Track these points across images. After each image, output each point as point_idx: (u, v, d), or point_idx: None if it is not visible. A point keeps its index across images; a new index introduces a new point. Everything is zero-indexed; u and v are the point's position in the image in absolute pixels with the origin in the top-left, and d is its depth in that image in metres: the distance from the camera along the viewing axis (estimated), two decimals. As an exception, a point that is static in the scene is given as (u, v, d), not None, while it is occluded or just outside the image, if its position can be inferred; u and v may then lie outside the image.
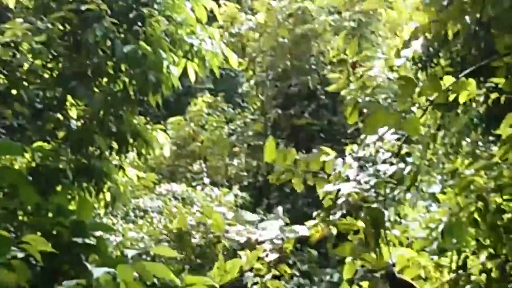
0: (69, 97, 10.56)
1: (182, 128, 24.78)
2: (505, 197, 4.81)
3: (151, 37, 10.17)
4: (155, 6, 10.40)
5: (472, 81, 5.77)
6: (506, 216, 4.79)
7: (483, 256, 5.10)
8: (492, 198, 4.89)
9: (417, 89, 5.38)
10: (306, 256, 20.98)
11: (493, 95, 6.56)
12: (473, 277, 5.03)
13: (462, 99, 5.96)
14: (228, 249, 18.39)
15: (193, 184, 22.40)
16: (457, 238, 5.03)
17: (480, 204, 4.79)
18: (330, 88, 8.28)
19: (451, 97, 5.97)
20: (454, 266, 5.17)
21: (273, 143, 5.53)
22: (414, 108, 14.84)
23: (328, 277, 20.93)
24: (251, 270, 9.42)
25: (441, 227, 4.99)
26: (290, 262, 20.39)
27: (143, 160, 11.39)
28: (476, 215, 4.81)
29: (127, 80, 10.35)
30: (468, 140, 15.47)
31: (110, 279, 4.49)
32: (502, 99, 6.59)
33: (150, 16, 10.26)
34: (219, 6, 11.62)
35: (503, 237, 4.80)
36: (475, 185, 5.51)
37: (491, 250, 4.93)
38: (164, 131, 11.73)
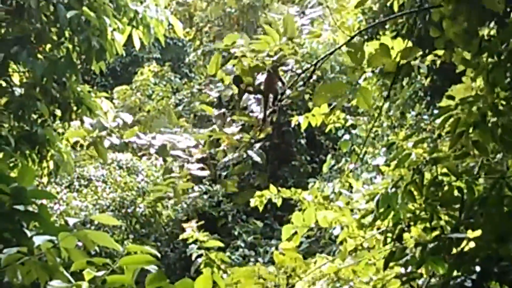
0: (11, 63, 10.40)
1: (129, 97, 24.62)
2: (442, 170, 4.83)
3: (95, 2, 10.03)
4: (100, -30, 10.25)
5: (417, 48, 5.78)
6: (442, 189, 4.82)
7: (418, 229, 5.14)
8: (429, 170, 4.91)
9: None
10: (251, 227, 21.07)
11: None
12: (408, 250, 5.07)
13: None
14: (174, 219, 18.38)
15: (139, 153, 22.28)
16: (393, 210, 5.05)
17: (416, 176, 4.81)
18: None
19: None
20: (389, 239, 5.21)
21: (219, 58, 5.55)
22: (360, 81, 14.94)
23: (273, 249, 21.05)
24: (195, 242, 9.42)
25: (376, 198, 5.01)
26: (236, 233, 20.48)
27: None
28: (412, 188, 4.83)
29: (70, 46, 10.21)
30: (413, 112, 15.62)
31: (51, 246, 4.45)
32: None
33: (94, -19, 10.12)
34: (166, -26, 11.50)
35: (438, 210, 4.83)
36: (415, 158, 5.54)
37: (426, 224, 4.96)
38: (109, 99, 11.62)
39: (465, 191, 4.53)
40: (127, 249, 4.02)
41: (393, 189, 4.76)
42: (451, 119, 4.67)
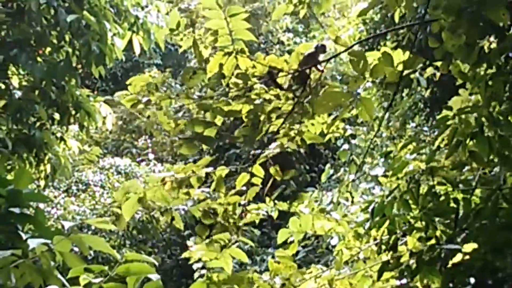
0: (11, 66, 10.38)
1: (128, 103, 24.58)
2: (438, 180, 4.79)
3: (96, 7, 10.02)
4: (101, -25, 10.24)
5: (420, 58, 5.72)
6: (438, 199, 4.78)
7: (413, 238, 5.09)
8: (425, 180, 4.88)
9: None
10: (248, 235, 21.04)
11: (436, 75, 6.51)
12: (403, 259, 5.03)
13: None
14: (170, 226, 18.33)
15: (138, 159, 22.26)
16: (388, 219, 5.01)
17: (412, 185, 4.77)
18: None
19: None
20: (384, 247, 5.17)
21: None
22: (360, 91, 14.93)
23: (269, 257, 21.01)
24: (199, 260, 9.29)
25: (371, 207, 4.98)
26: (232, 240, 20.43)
27: (85, 132, 11.24)
28: (408, 197, 4.79)
29: (70, 50, 10.20)
30: (413, 124, 15.61)
31: (46, 250, 4.41)
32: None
33: (95, -15, 10.11)
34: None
35: (434, 220, 4.79)
36: (413, 168, 5.51)
37: (422, 233, 4.92)
38: (108, 103, 11.59)
39: (461, 201, 4.50)
40: (125, 257, 3.99)
41: (389, 198, 4.73)
42: (448, 130, 4.64)
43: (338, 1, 22.86)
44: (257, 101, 6.06)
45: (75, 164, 17.52)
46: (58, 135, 11.03)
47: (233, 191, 6.38)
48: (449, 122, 4.57)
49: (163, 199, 6.28)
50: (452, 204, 4.58)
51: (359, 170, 15.16)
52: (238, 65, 5.88)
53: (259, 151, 6.45)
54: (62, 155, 11.10)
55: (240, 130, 6.24)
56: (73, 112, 10.54)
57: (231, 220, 6.50)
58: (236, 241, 6.47)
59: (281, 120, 6.03)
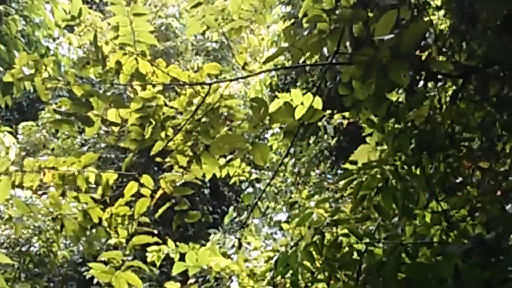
0: None
1: (33, 134, 24.14)
2: (342, 231, 4.80)
3: (6, 36, 9.83)
4: (13, 4, 10.06)
5: (321, 111, 5.76)
6: (342, 251, 4.79)
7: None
8: (330, 231, 4.89)
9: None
10: (147, 274, 20.79)
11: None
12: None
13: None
14: (69, 260, 17.99)
15: (39, 192, 21.79)
16: (292, 270, 4.99)
17: (316, 237, 4.77)
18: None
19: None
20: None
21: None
22: (268, 135, 15.01)
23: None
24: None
25: (275, 258, 4.96)
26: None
27: (-14, 162, 10.96)
28: (311, 248, 4.79)
29: (-25, 78, 9.97)
30: (318, 171, 15.77)
31: None
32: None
33: (6, 14, 9.92)
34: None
35: (337, 271, 4.80)
36: (316, 218, 5.55)
37: (324, 285, 4.91)
38: (12, 134, 11.35)
39: (364, 254, 4.53)
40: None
41: (293, 249, 4.72)
42: (354, 182, 4.68)
43: (251, 45, 23.05)
44: (150, 104, 5.95)
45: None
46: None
47: (121, 200, 6.18)
48: (353, 177, 4.60)
49: (52, 204, 6.08)
50: (356, 256, 4.60)
51: (262, 214, 15.21)
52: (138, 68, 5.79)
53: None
54: (-39, 185, 10.79)
55: (128, 135, 6.11)
56: (-25, 141, 10.31)
57: (118, 231, 6.31)
58: (131, 266, 6.31)
59: (179, 136, 5.92)
